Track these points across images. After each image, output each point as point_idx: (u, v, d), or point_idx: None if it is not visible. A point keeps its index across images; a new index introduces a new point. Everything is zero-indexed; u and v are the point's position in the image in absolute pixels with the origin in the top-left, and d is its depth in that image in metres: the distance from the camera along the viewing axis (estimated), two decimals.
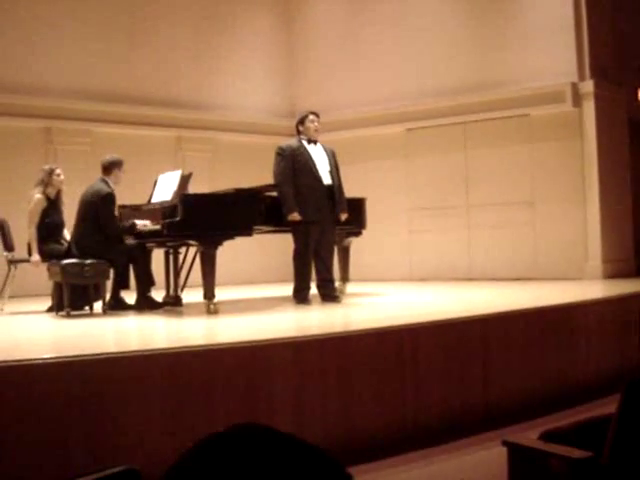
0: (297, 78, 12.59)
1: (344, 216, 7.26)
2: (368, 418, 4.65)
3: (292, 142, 7.24)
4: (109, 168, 7.13)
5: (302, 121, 7.28)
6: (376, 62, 11.65)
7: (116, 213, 7.11)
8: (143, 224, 6.86)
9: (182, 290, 7.42)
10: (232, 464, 0.79)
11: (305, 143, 7.18)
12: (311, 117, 7.28)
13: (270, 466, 0.78)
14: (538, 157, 10.26)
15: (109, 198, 6.93)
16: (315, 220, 7.00)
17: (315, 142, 7.24)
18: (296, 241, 7.15)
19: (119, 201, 7.53)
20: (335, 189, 7.14)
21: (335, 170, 7.23)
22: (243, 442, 0.82)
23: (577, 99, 9.90)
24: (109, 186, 7.05)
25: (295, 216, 6.92)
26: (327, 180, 7.12)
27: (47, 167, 7.51)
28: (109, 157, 7.25)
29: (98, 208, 6.88)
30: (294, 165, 7.03)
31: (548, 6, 10.22)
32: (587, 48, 9.93)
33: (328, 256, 7.23)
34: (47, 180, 7.34)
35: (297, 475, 0.78)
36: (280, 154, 7.11)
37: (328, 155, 7.24)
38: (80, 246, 6.88)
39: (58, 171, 7.45)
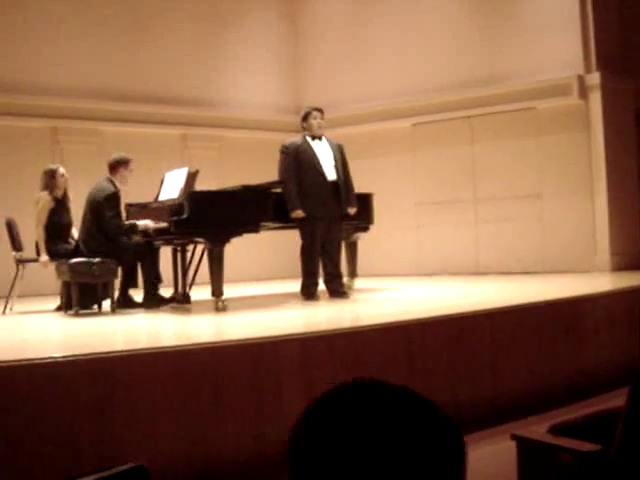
0: (303, 74, 12.58)
1: (353, 210, 7.25)
2: None
3: (296, 139, 7.25)
4: (115, 167, 7.11)
5: (305, 118, 7.29)
6: (382, 57, 11.63)
7: (122, 212, 7.10)
8: (144, 224, 6.86)
9: (190, 288, 7.43)
10: (357, 414, 0.89)
11: (309, 139, 7.18)
12: (314, 113, 7.27)
13: (389, 415, 0.88)
14: (545, 150, 10.23)
15: (113, 198, 6.90)
16: (320, 216, 7.00)
17: (320, 138, 7.24)
18: (303, 237, 7.15)
19: (126, 199, 7.53)
20: (340, 184, 7.13)
21: (341, 165, 7.22)
22: (365, 393, 0.92)
23: (583, 91, 9.87)
24: (114, 185, 7.03)
25: (299, 213, 6.93)
26: (331, 176, 7.12)
27: (48, 169, 7.37)
28: (115, 155, 7.23)
29: (100, 208, 6.87)
30: (298, 162, 7.03)
31: None
32: (593, 40, 9.89)
33: (335, 251, 7.24)
34: (51, 183, 7.27)
35: (412, 425, 0.88)
36: (284, 151, 7.13)
37: (333, 150, 7.22)
38: (87, 245, 6.90)
39: (61, 170, 7.38)
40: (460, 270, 10.61)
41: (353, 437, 0.86)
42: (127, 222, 7.05)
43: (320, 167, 7.08)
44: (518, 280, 9.02)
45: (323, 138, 7.26)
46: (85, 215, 7.05)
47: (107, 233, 6.87)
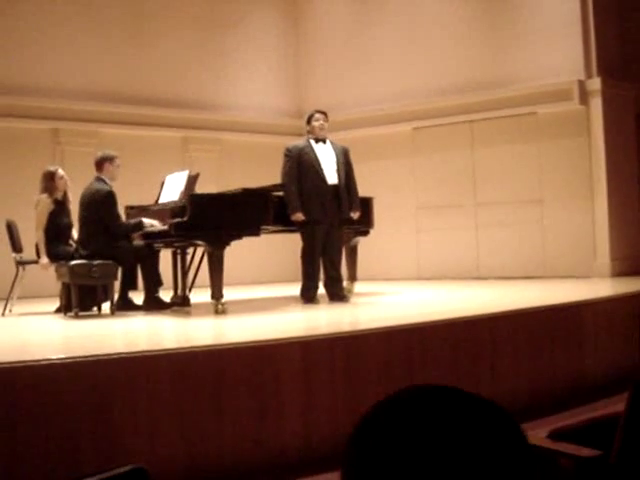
0: (304, 77, 12.59)
1: (356, 215, 7.25)
2: None
3: (299, 142, 7.26)
4: (100, 164, 7.09)
5: (308, 121, 7.30)
6: (383, 61, 11.64)
7: (120, 211, 7.09)
8: (150, 224, 6.84)
9: (190, 290, 7.43)
10: (416, 420, 0.87)
11: (312, 143, 7.17)
12: (316, 116, 7.27)
13: (455, 419, 0.87)
14: (546, 155, 10.23)
15: (110, 197, 6.88)
16: (320, 220, 7.00)
17: (324, 141, 7.23)
18: (303, 241, 7.15)
19: (126, 202, 7.54)
20: (341, 188, 7.13)
21: (344, 169, 7.20)
22: (425, 399, 0.91)
23: (584, 97, 9.87)
24: (107, 184, 7.01)
25: (299, 216, 6.93)
26: (332, 180, 7.10)
27: (47, 171, 7.34)
28: (100, 153, 7.22)
29: (100, 209, 6.85)
30: (299, 165, 7.04)
31: (555, 4, 10.19)
32: (594, 45, 9.90)
33: (336, 255, 7.23)
34: (50, 185, 7.25)
35: (474, 427, 0.86)
36: (287, 154, 7.13)
37: (337, 154, 7.21)
38: (86, 247, 6.88)
39: (60, 172, 7.34)
40: (460, 274, 10.61)
41: (417, 442, 0.84)
42: (134, 220, 7.03)
43: (321, 171, 7.07)
44: (518, 285, 9.02)
45: (327, 141, 7.24)
46: (82, 217, 7.01)
47: (115, 233, 6.86)
